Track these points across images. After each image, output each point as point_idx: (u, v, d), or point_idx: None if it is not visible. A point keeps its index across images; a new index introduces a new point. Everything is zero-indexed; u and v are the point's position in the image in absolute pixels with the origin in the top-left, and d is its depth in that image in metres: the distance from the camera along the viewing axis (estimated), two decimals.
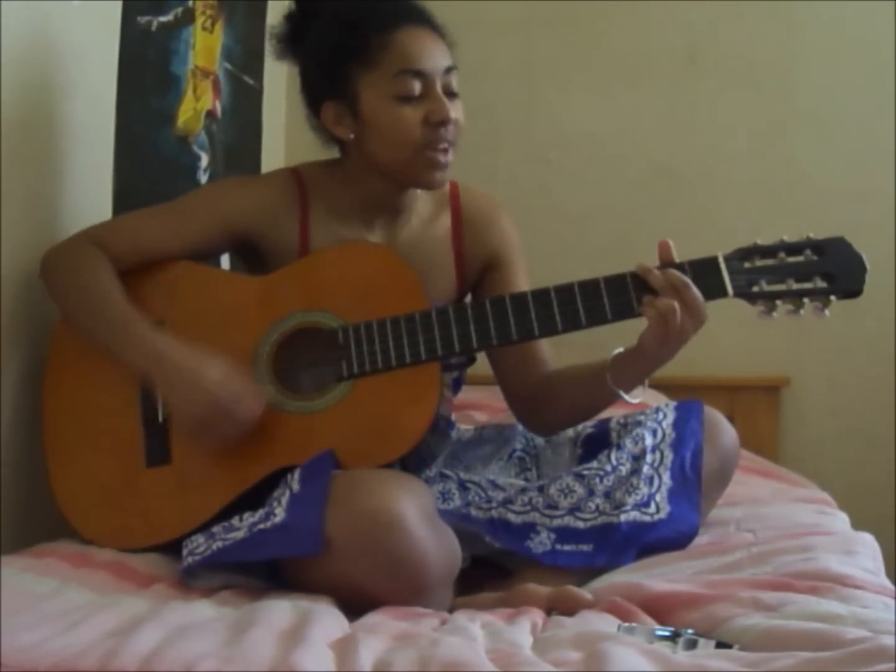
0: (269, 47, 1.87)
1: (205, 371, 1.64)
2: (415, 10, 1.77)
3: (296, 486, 1.55)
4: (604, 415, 1.87)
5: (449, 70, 1.74)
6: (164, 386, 1.66)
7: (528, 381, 1.84)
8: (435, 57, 1.73)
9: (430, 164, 1.73)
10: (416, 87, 1.71)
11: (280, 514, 1.51)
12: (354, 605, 1.44)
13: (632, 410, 1.87)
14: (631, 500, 1.70)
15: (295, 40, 1.82)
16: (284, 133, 2.99)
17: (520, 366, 1.84)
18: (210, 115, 2.50)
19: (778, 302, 1.62)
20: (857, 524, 1.91)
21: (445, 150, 1.73)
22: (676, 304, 1.59)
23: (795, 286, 1.62)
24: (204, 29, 2.45)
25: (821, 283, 1.61)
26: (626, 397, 1.72)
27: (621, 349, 1.71)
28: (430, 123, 1.71)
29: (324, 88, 1.77)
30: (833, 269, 1.61)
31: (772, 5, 2.93)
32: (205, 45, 2.46)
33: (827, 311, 1.62)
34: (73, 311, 1.76)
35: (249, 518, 1.55)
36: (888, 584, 1.51)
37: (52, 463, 1.75)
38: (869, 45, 2.91)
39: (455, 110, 1.73)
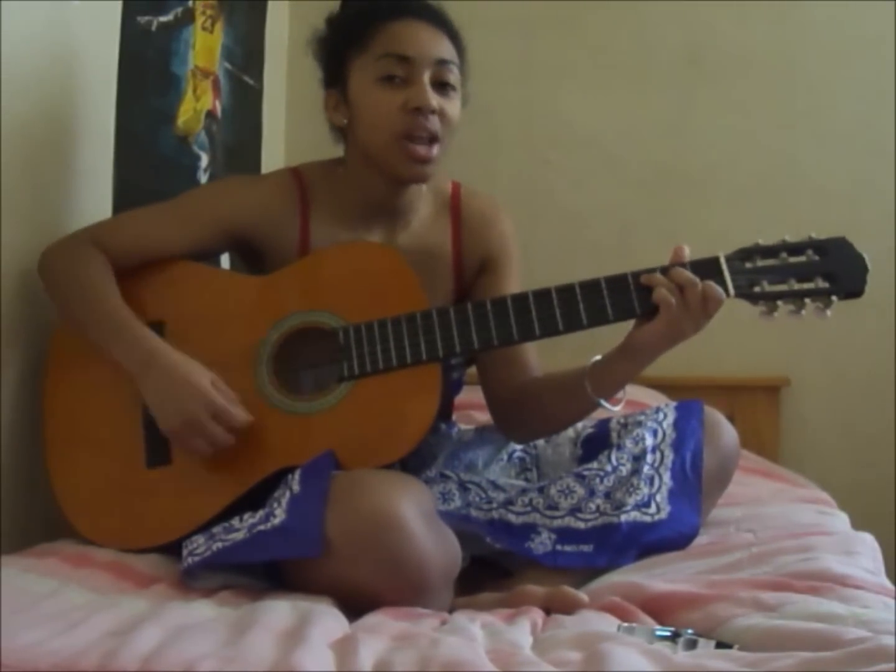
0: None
1: (194, 378, 1.63)
2: (422, 6, 1.77)
3: (296, 487, 1.55)
4: (604, 414, 1.87)
5: (443, 62, 1.73)
6: (150, 387, 1.65)
7: (510, 386, 1.82)
8: (425, 46, 1.72)
9: (407, 154, 1.71)
10: (399, 71, 1.71)
11: (280, 515, 1.51)
12: (354, 606, 1.44)
13: (632, 410, 1.87)
14: (631, 501, 1.70)
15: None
16: (284, 133, 3.00)
17: (504, 370, 1.82)
18: (210, 115, 2.50)
19: (779, 302, 1.62)
20: (857, 524, 1.91)
21: (427, 143, 1.71)
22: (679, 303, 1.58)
23: (797, 286, 1.61)
24: (204, 29, 2.45)
25: (822, 284, 1.61)
26: (607, 406, 1.70)
27: (599, 357, 1.70)
28: (407, 109, 1.70)
29: (327, 76, 1.80)
30: (835, 270, 1.61)
31: (772, 5, 2.93)
32: (205, 45, 2.46)
33: (828, 312, 1.61)
34: (68, 307, 1.76)
35: (249, 519, 1.55)
36: (888, 584, 1.51)
37: (52, 463, 1.75)
38: (869, 45, 2.91)
39: (448, 104, 1.72)
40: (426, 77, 1.71)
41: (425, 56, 1.71)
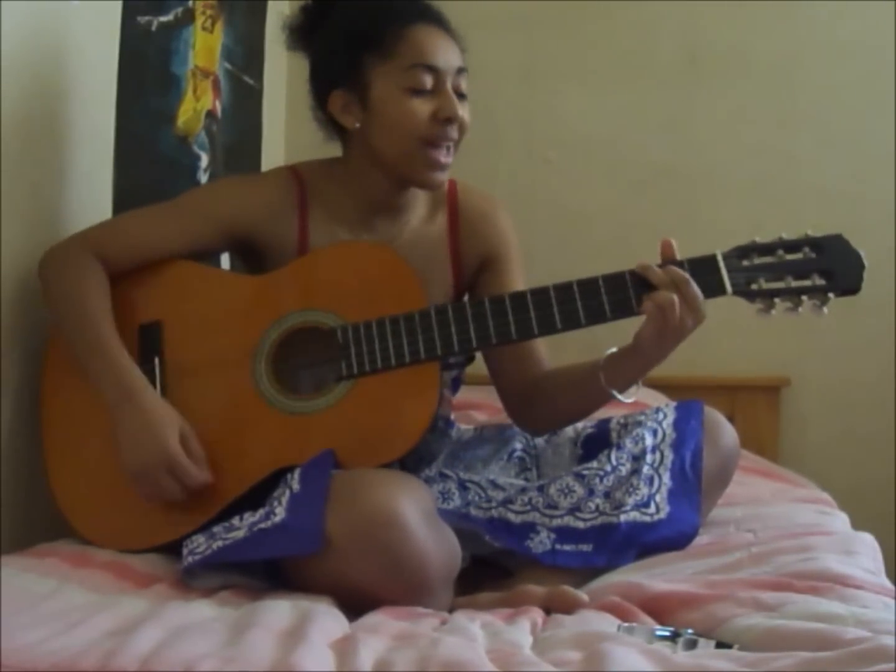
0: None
1: (163, 429, 1.63)
2: (431, 10, 1.79)
3: (296, 486, 1.55)
4: (604, 415, 1.87)
5: (460, 71, 1.76)
6: (120, 424, 1.65)
7: (521, 381, 1.84)
8: (448, 56, 1.75)
9: (430, 162, 1.74)
10: (428, 81, 1.73)
11: (280, 513, 1.51)
12: (354, 605, 1.44)
13: (632, 410, 1.87)
14: (631, 501, 1.70)
15: (309, 30, 1.82)
16: (284, 133, 3.00)
17: (514, 364, 1.84)
18: (210, 115, 2.50)
19: (776, 300, 1.62)
20: (857, 524, 1.91)
21: (447, 150, 1.75)
22: (676, 299, 1.58)
23: (794, 284, 1.61)
24: (204, 29, 2.45)
25: (819, 281, 1.61)
26: (620, 397, 1.71)
27: (615, 349, 1.71)
28: (437, 119, 1.72)
29: (335, 76, 1.78)
30: (831, 267, 1.61)
31: (772, 5, 2.93)
32: (205, 45, 2.46)
33: (825, 309, 1.61)
34: (60, 321, 1.75)
35: (249, 518, 1.55)
36: (888, 584, 1.51)
37: (51, 463, 1.75)
38: (869, 45, 2.91)
39: (465, 112, 1.75)
40: (450, 86, 1.74)
41: (450, 66, 1.75)
